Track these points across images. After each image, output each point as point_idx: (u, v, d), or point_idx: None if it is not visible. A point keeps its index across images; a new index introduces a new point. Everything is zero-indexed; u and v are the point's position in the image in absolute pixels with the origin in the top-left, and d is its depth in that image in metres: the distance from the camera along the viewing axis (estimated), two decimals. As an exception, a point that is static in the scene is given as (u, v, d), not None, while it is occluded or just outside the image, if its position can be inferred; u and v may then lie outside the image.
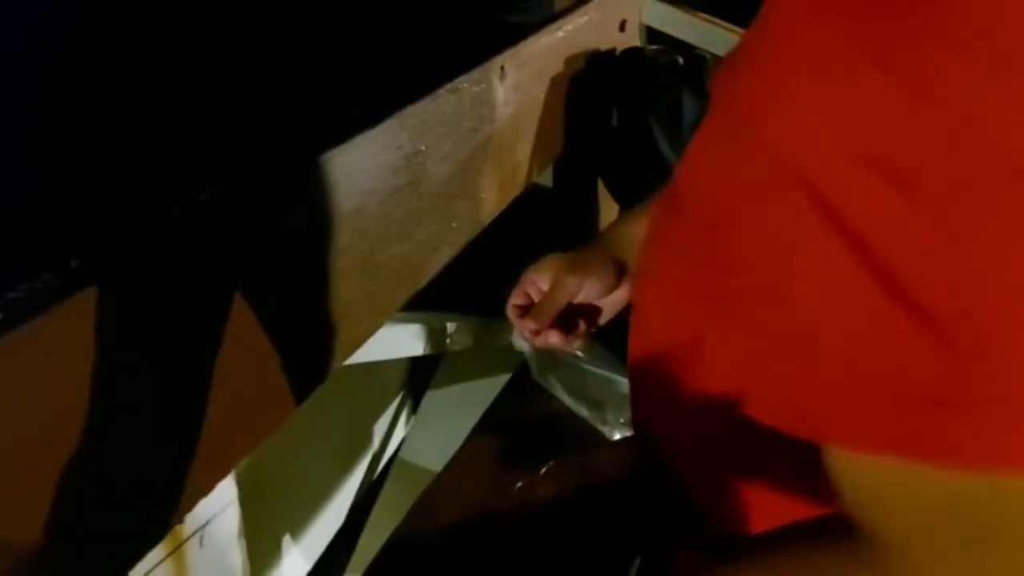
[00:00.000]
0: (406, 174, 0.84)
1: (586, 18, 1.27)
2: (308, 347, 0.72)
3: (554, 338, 0.72)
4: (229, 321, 0.64)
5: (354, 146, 0.75)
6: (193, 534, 0.84)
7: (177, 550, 0.83)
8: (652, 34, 1.66)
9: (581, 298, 0.74)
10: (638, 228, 0.72)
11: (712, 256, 0.50)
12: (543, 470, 1.04)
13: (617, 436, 1.21)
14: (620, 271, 0.75)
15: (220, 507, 0.87)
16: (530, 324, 0.72)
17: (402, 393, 1.69)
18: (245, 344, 0.66)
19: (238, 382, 0.65)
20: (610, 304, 0.77)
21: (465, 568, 0.81)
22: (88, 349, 0.53)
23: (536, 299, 0.74)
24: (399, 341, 1.45)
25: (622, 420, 1.19)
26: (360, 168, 0.76)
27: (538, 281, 0.74)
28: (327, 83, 0.78)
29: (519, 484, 1.02)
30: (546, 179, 1.52)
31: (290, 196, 0.69)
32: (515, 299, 0.75)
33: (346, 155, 0.74)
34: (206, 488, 0.64)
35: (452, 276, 1.01)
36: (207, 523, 0.86)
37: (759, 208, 0.43)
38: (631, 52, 1.38)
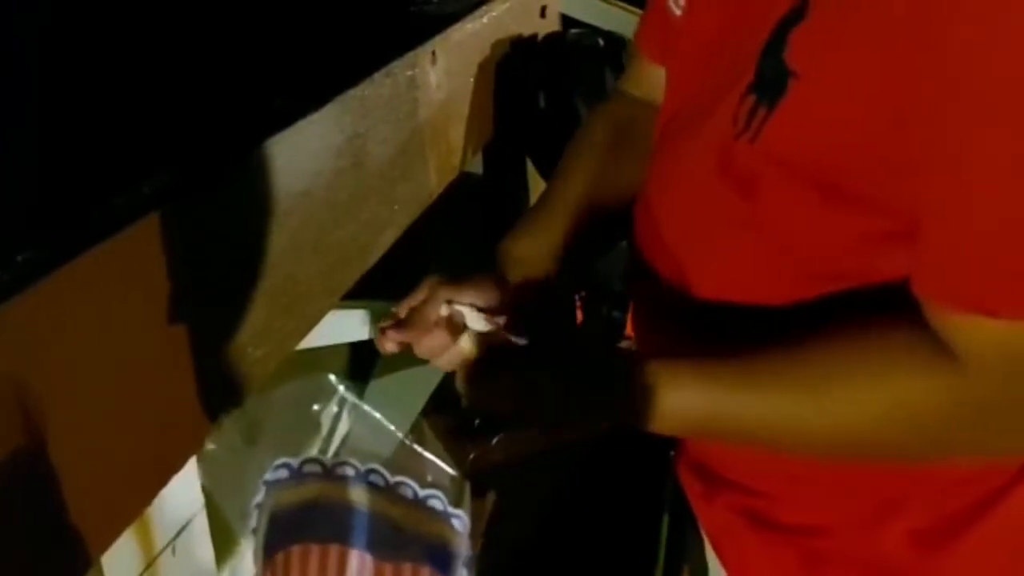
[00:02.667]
0: (349, 156, 0.87)
1: (507, 5, 1.31)
2: (270, 326, 0.75)
3: (428, 344, 0.68)
4: (189, 307, 0.66)
5: (300, 129, 0.77)
6: (166, 546, 0.84)
7: (151, 565, 0.83)
8: (567, 22, 1.72)
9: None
10: (521, 248, 0.73)
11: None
12: (494, 442, 1.08)
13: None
14: (501, 286, 0.71)
15: (190, 515, 0.87)
16: (397, 336, 0.68)
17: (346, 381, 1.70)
18: (206, 327, 0.68)
19: (196, 365, 0.67)
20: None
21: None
22: (44, 344, 0.54)
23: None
24: (347, 326, 1.47)
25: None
26: (307, 150, 0.79)
27: (413, 300, 0.70)
28: (263, 70, 0.80)
29: (471, 456, 1.06)
30: (476, 167, 1.56)
31: (243, 179, 0.71)
32: (383, 322, 0.72)
33: (292, 139, 0.76)
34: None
35: (387, 263, 1.04)
36: (179, 533, 0.86)
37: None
38: (554, 36, 1.43)
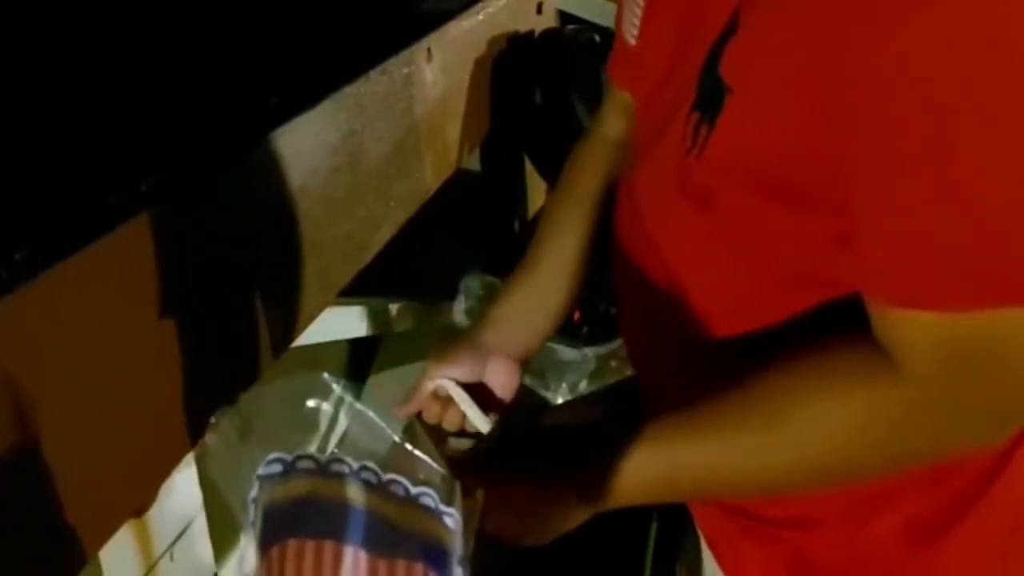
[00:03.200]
0: (345, 154, 0.87)
1: (503, 2, 1.31)
2: (265, 323, 0.75)
3: (434, 410, 0.70)
4: (184, 304, 0.66)
5: (295, 127, 0.77)
6: (164, 552, 0.85)
7: (151, 571, 0.83)
8: (564, 18, 1.72)
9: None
10: (503, 309, 0.75)
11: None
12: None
13: (559, 400, 1.26)
14: (479, 357, 0.72)
15: (189, 519, 0.87)
16: (407, 409, 0.70)
17: (344, 381, 1.71)
18: (200, 324, 0.68)
19: (192, 362, 0.67)
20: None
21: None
22: (42, 340, 0.54)
23: None
24: (344, 323, 1.47)
25: (563, 385, 1.25)
26: (303, 148, 0.79)
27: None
28: (259, 68, 0.80)
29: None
30: (473, 164, 1.56)
31: (238, 177, 0.71)
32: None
33: (288, 136, 0.76)
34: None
35: (384, 259, 1.04)
36: (177, 538, 0.86)
37: None
38: (550, 32, 1.43)
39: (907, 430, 0.52)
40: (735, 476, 0.58)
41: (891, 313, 0.49)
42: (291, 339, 0.81)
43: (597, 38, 1.32)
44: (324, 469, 0.45)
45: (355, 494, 0.45)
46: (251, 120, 0.74)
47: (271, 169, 0.74)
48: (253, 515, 0.47)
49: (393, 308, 1.56)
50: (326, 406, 0.45)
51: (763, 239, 0.57)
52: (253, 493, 0.46)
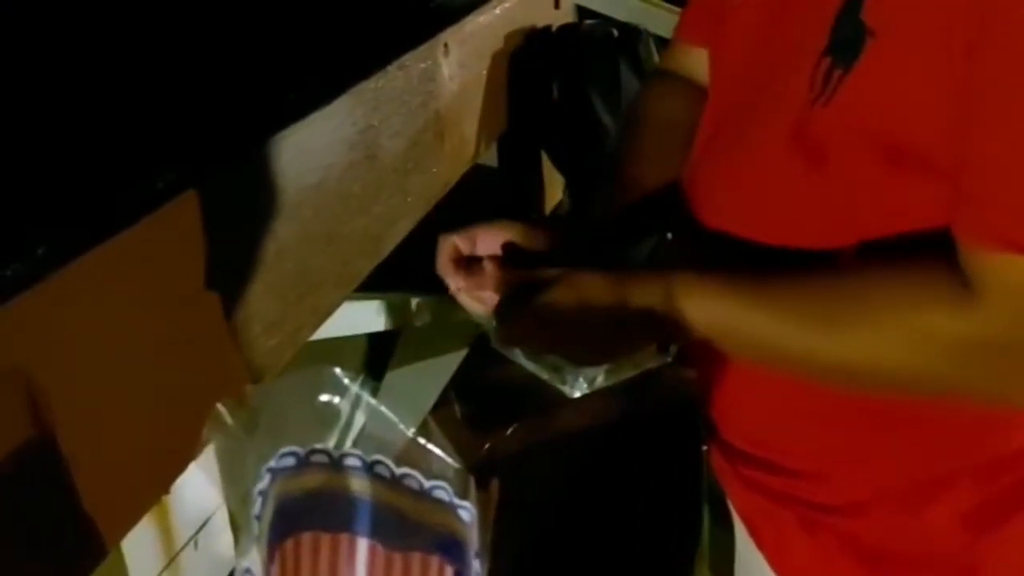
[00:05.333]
0: (362, 149, 0.87)
1: (521, -4, 1.31)
2: (283, 317, 0.75)
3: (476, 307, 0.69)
4: (203, 298, 0.67)
5: (312, 123, 0.78)
6: (188, 541, 0.85)
7: (173, 561, 0.84)
8: (583, 13, 1.71)
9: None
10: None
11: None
12: (509, 431, 1.08)
13: (577, 394, 1.25)
14: (538, 230, 0.72)
15: (211, 509, 0.88)
16: (463, 282, 0.68)
17: (362, 375, 1.72)
18: (219, 318, 0.69)
19: (210, 355, 0.68)
20: None
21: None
22: (60, 334, 0.55)
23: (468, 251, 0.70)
24: (362, 317, 1.48)
25: (581, 379, 1.24)
26: (319, 143, 0.79)
27: (488, 239, 0.70)
28: (276, 64, 0.81)
29: (487, 445, 1.06)
30: (490, 159, 1.56)
31: (254, 173, 0.72)
32: (459, 239, 0.70)
33: (304, 131, 0.77)
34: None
35: (403, 255, 1.05)
36: (200, 528, 0.87)
37: None
38: (568, 27, 1.43)
39: (973, 359, 0.53)
40: (798, 353, 0.58)
41: (981, 252, 0.50)
42: (309, 332, 0.81)
43: (615, 32, 1.32)
44: (337, 463, 0.45)
45: (367, 487, 0.45)
46: (268, 116, 0.74)
47: (288, 164, 0.75)
48: (260, 508, 0.47)
49: (412, 303, 1.57)
50: (340, 401, 0.45)
51: (868, 200, 0.57)
52: (262, 485, 0.46)
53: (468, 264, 0.69)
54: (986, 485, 0.63)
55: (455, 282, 0.69)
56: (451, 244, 0.70)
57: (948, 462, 0.63)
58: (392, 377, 1.74)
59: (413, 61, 0.98)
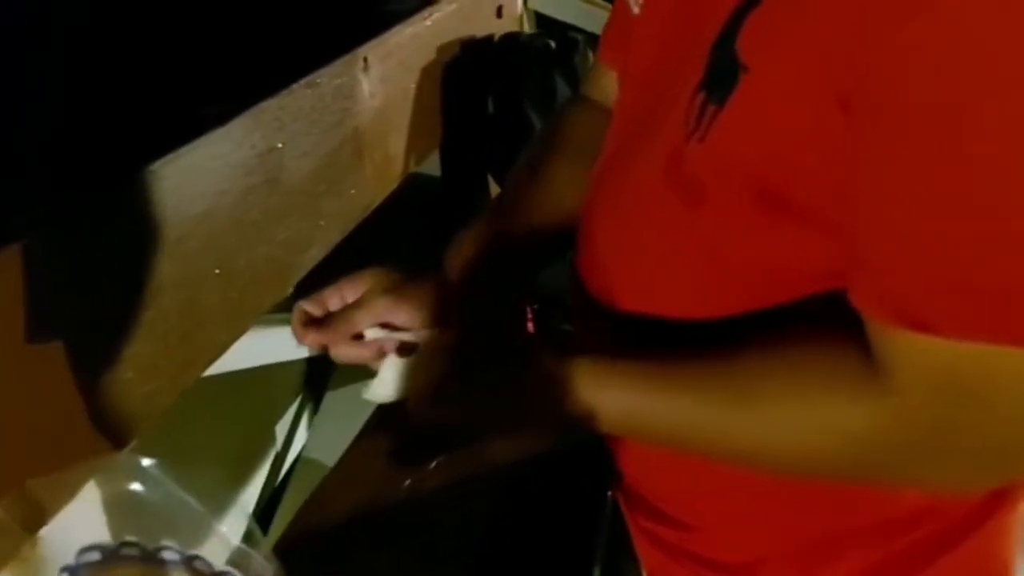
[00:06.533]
0: (261, 173, 0.82)
1: (455, 6, 1.26)
2: (160, 359, 0.70)
3: (348, 354, 0.65)
4: (65, 340, 0.61)
5: (198, 147, 0.72)
6: None
7: None
8: (542, 21, 1.65)
9: (391, 321, 0.66)
10: (473, 235, 0.72)
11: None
12: (432, 465, 1.03)
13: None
14: (443, 292, 0.68)
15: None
16: (318, 337, 0.64)
17: (302, 395, 1.67)
18: (85, 363, 0.63)
19: (74, 403, 0.62)
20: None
21: (356, 564, 0.80)
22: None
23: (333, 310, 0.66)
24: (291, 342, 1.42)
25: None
26: (206, 169, 0.73)
27: (347, 293, 0.66)
28: (169, 83, 0.75)
29: (408, 481, 1.01)
30: (434, 168, 1.51)
31: (126, 204, 0.66)
32: (307, 304, 0.66)
33: (188, 157, 0.71)
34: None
35: (344, 269, 0.99)
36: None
37: None
38: (507, 38, 1.38)
39: (892, 451, 0.49)
40: (700, 441, 0.55)
41: (892, 332, 0.44)
42: (196, 373, 0.76)
43: (552, 44, 1.27)
44: (151, 557, 0.40)
45: (186, 583, 0.40)
46: (143, 142, 0.69)
47: (168, 193, 0.69)
48: None
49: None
50: (147, 491, 0.40)
51: (744, 243, 0.52)
52: None
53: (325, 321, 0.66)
54: (878, 548, 0.60)
55: (307, 341, 0.65)
56: (300, 311, 0.67)
57: (838, 525, 0.60)
58: (332, 397, 1.69)
59: (326, 78, 0.92)
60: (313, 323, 0.65)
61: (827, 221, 0.47)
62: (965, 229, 0.40)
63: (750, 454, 0.54)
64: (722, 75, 0.48)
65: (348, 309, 0.65)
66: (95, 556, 0.40)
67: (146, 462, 0.39)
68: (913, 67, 0.38)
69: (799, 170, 0.47)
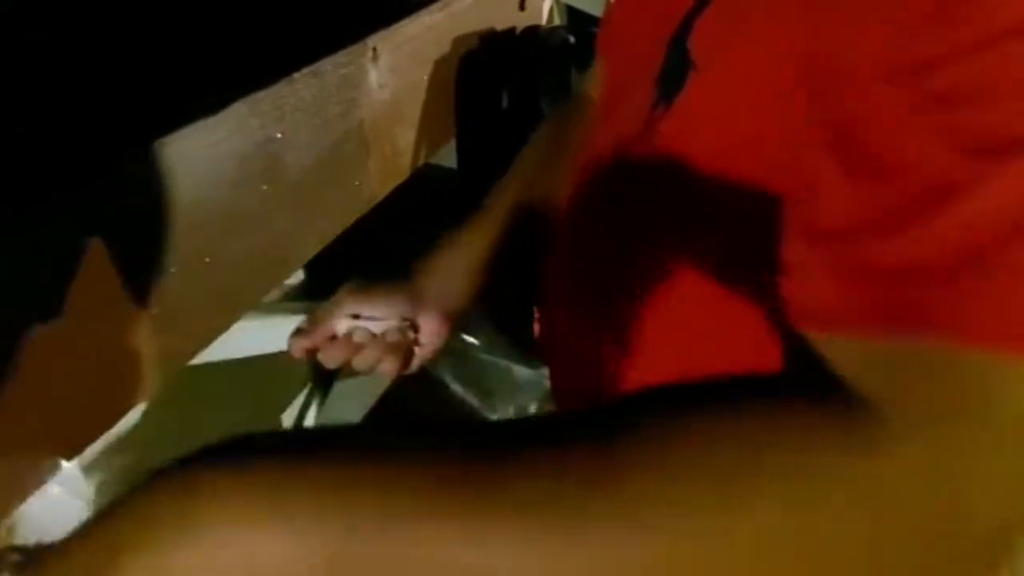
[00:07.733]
0: (258, 162, 0.81)
1: (473, -3, 1.24)
2: (148, 348, 0.69)
3: (331, 355, 0.70)
4: (45, 329, 0.61)
5: (189, 134, 0.71)
6: None
7: None
8: (572, 14, 1.62)
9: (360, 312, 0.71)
10: (437, 262, 0.74)
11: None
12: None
13: (506, 423, 1.18)
14: (415, 298, 0.72)
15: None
16: (302, 342, 0.71)
17: (310, 384, 1.66)
18: (65, 351, 0.63)
19: (54, 395, 0.62)
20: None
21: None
22: None
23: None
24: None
25: (511, 409, 1.18)
26: (198, 157, 0.72)
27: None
28: (161, 67, 0.74)
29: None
30: (452, 161, 1.50)
31: (112, 188, 0.65)
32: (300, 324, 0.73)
33: (179, 144, 0.70)
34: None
35: (355, 263, 0.98)
36: None
37: None
38: (527, 32, 1.36)
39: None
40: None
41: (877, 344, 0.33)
42: (185, 361, 0.75)
43: (571, 39, 1.24)
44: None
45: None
46: (133, 125, 0.68)
47: (154, 181, 0.68)
48: None
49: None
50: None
51: (675, 263, 0.49)
52: None
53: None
54: None
55: (295, 348, 0.73)
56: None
57: None
58: (341, 386, 1.68)
59: (331, 67, 0.91)
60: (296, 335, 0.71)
61: (761, 239, 0.44)
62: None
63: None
64: (673, 73, 0.47)
65: (320, 309, 0.69)
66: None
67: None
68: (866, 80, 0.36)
69: (739, 187, 0.43)
